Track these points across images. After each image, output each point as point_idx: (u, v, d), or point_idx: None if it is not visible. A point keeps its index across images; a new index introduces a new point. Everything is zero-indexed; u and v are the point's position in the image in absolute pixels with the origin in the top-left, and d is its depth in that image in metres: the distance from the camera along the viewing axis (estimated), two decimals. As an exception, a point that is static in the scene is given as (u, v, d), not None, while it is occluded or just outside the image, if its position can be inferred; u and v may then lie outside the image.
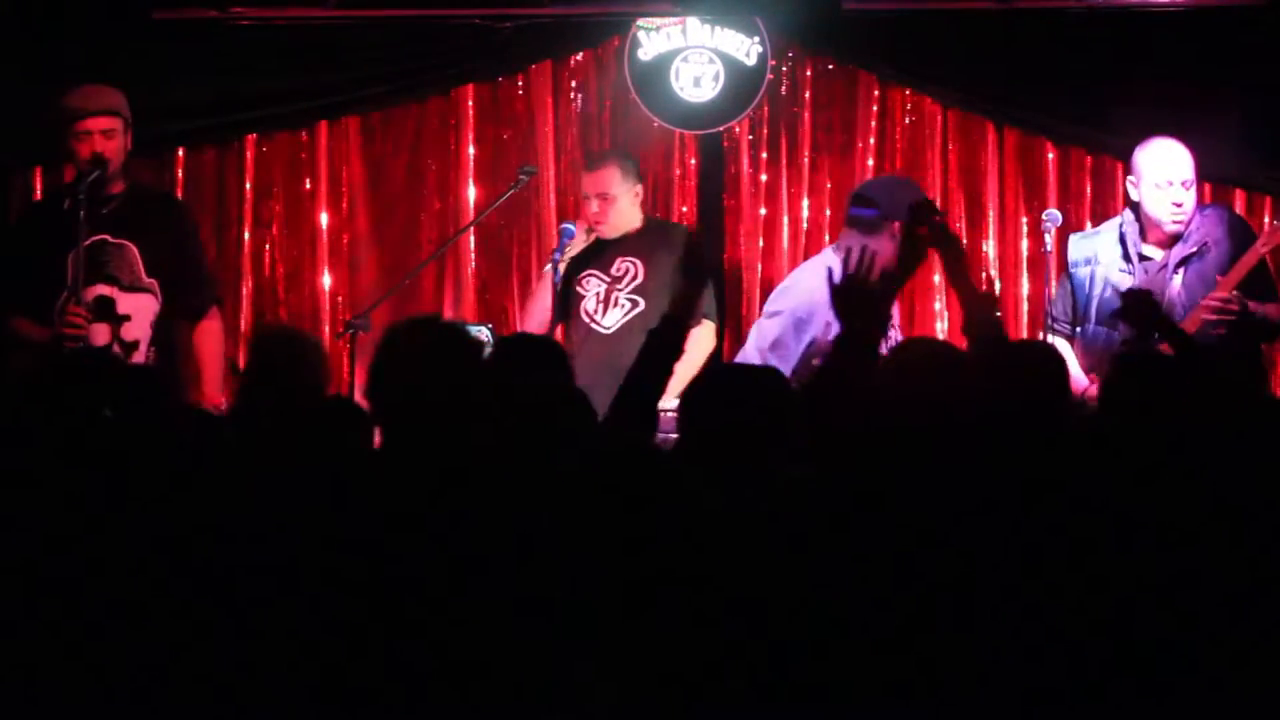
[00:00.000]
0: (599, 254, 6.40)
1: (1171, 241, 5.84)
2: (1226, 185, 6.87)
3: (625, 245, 6.40)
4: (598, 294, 6.38)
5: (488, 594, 3.03)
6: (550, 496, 3.17)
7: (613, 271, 6.39)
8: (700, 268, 4.52)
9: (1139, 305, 5.23)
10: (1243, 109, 6.61)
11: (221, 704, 3.01)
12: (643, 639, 2.97)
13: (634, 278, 6.36)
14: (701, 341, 6.24)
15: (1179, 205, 5.79)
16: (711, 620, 2.98)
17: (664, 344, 4.16)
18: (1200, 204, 6.07)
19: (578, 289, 6.40)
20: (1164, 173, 5.80)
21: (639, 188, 6.46)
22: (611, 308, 6.37)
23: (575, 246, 6.32)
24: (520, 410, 3.51)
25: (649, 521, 3.09)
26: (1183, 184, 5.79)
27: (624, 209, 6.37)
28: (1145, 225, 5.88)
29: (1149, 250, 5.89)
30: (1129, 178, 5.97)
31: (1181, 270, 5.81)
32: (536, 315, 6.44)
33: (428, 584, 3.05)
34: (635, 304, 6.36)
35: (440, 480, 3.21)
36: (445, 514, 3.14)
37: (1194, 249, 5.82)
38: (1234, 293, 5.64)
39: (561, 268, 6.25)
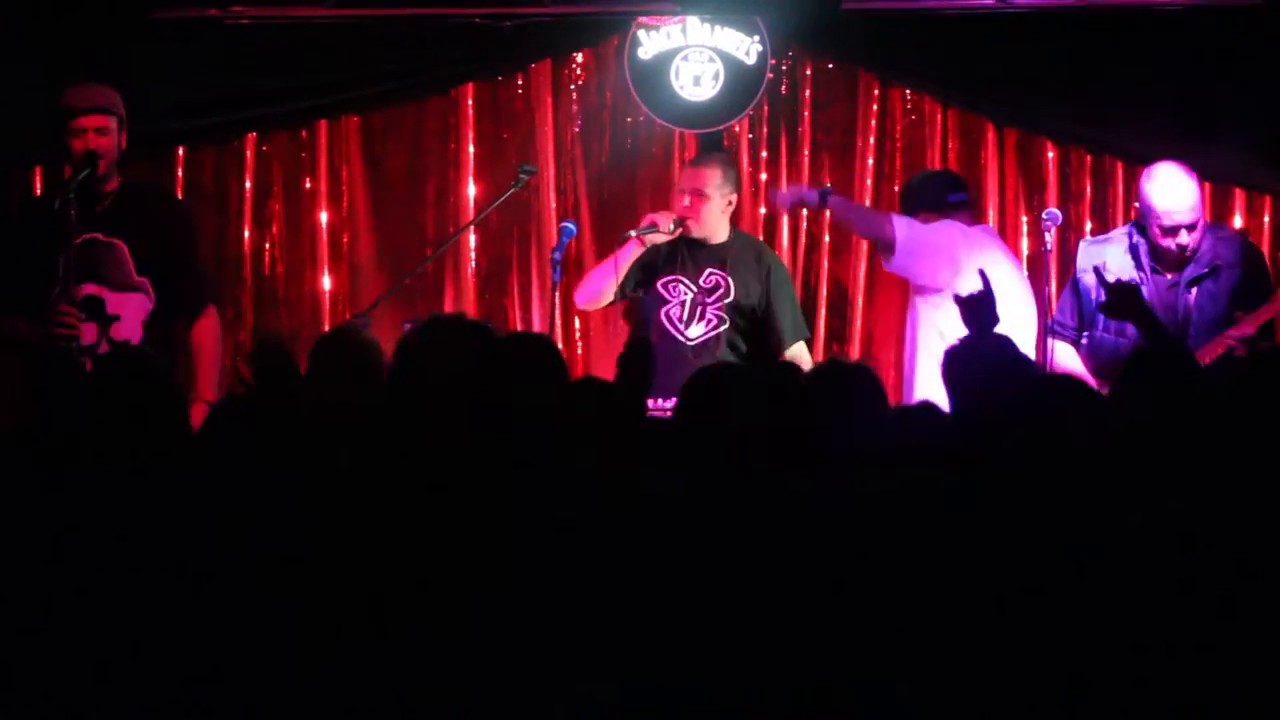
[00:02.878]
0: (686, 259, 6.26)
1: (1181, 264, 5.84)
2: (1226, 185, 6.88)
3: (716, 256, 6.27)
4: (684, 302, 6.24)
5: (490, 593, 3.04)
6: (554, 497, 3.18)
7: (702, 282, 6.25)
8: None
9: (1123, 296, 5.23)
10: (1242, 109, 6.60)
11: (222, 703, 3.02)
12: (643, 641, 2.98)
13: (724, 294, 6.23)
14: (806, 362, 6.23)
15: (1183, 246, 5.78)
16: (711, 622, 2.98)
17: (638, 354, 4.24)
18: (1212, 224, 6.06)
19: (662, 290, 6.26)
20: (1168, 218, 5.76)
21: (734, 197, 6.35)
22: (697, 320, 6.26)
23: (659, 237, 6.17)
24: (520, 411, 3.51)
25: (650, 523, 3.11)
26: (1187, 227, 5.76)
27: (715, 212, 6.24)
28: (1154, 247, 5.87)
29: (1159, 266, 5.87)
30: (1136, 202, 5.94)
31: (1194, 290, 5.80)
32: (595, 286, 6.30)
33: (431, 582, 3.05)
34: (722, 320, 6.24)
35: (449, 476, 3.21)
36: (451, 511, 3.14)
37: (1205, 269, 5.80)
38: (1256, 331, 5.65)
39: (643, 244, 6.12)
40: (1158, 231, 5.78)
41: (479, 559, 3.07)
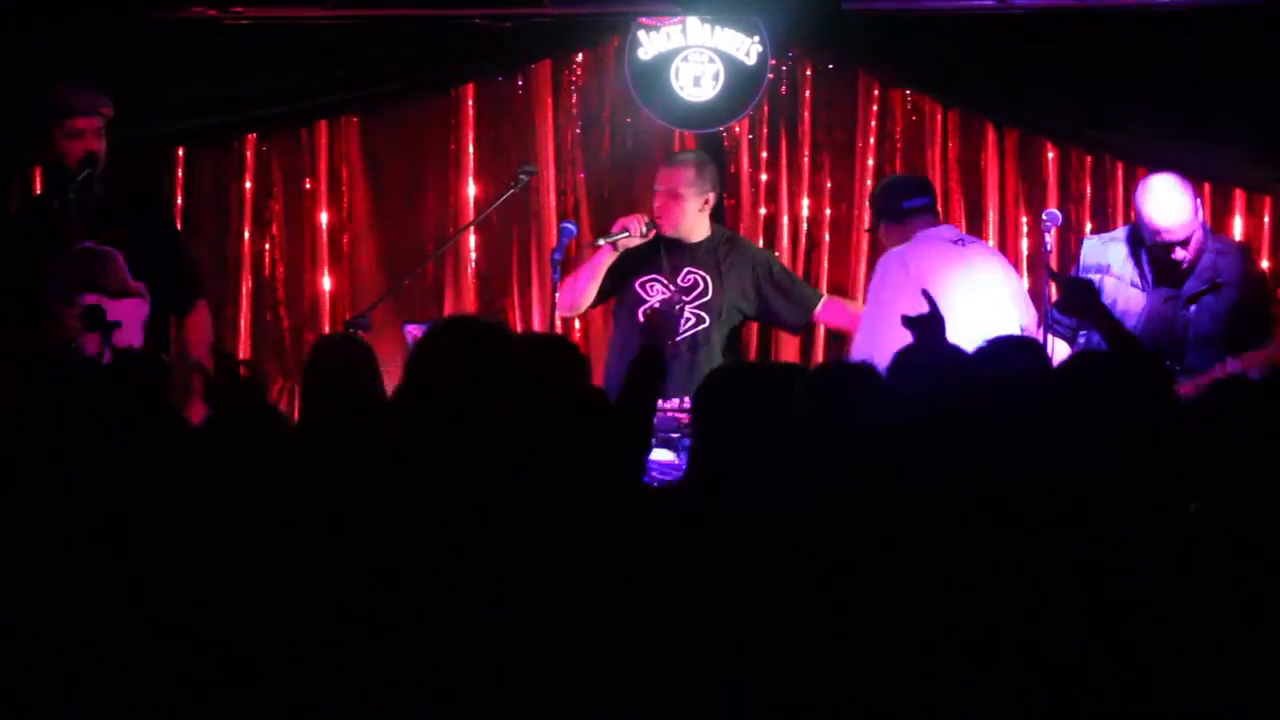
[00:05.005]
0: (665, 258, 6.27)
1: (1179, 277, 5.84)
2: (1227, 185, 6.88)
3: (695, 255, 6.28)
4: (663, 302, 6.24)
5: (497, 595, 3.04)
6: (562, 497, 3.18)
7: (680, 281, 6.25)
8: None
9: (1077, 293, 5.29)
10: (1243, 108, 6.60)
11: (221, 702, 3.02)
12: (648, 641, 2.98)
13: (702, 293, 6.24)
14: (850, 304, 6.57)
15: (1176, 257, 5.78)
16: (720, 622, 2.98)
17: (648, 369, 4.23)
18: (1215, 236, 6.05)
19: (639, 290, 6.27)
20: (1160, 236, 5.76)
21: (711, 196, 6.31)
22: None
23: (633, 241, 6.19)
24: (540, 412, 3.51)
25: (659, 523, 3.11)
26: (1179, 243, 5.76)
27: (690, 212, 6.24)
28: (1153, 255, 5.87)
29: (1159, 276, 5.88)
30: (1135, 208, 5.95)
31: (1192, 307, 5.80)
32: (571, 295, 6.29)
33: (442, 584, 3.05)
34: (701, 320, 6.22)
35: (459, 479, 3.21)
36: (461, 513, 3.14)
37: (1205, 285, 5.80)
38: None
39: (615, 249, 6.18)
40: (1153, 241, 5.79)
41: (490, 561, 3.07)
